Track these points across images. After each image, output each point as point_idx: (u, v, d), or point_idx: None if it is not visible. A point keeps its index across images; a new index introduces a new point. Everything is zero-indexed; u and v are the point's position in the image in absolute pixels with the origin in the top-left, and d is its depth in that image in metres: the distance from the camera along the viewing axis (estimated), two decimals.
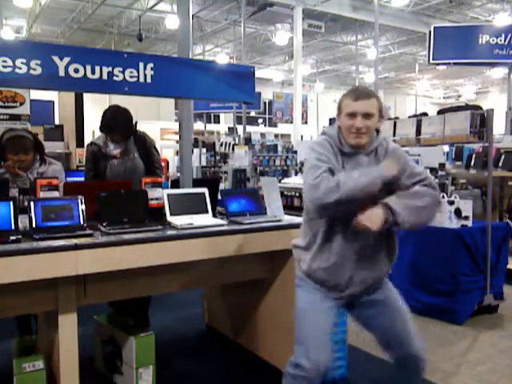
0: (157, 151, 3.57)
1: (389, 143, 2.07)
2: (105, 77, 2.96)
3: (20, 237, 2.13)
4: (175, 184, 3.41)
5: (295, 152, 10.17)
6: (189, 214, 2.67)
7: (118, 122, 3.30)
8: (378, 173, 1.90)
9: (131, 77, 3.05)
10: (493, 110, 4.02)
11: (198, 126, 17.46)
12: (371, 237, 1.96)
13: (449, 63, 9.54)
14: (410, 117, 8.24)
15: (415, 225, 1.93)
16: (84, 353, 2.45)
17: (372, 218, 1.86)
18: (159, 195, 2.73)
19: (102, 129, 3.38)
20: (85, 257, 2.12)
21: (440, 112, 7.32)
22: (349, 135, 1.97)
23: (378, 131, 2.05)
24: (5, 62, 2.70)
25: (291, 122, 16.70)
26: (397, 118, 8.29)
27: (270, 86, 24.02)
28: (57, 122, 9.26)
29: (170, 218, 2.60)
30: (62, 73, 2.84)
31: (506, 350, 3.34)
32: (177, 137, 8.03)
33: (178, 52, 3.68)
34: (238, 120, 15.51)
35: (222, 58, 19.66)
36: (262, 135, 13.08)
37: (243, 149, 8.67)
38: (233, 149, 10.11)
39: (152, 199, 2.70)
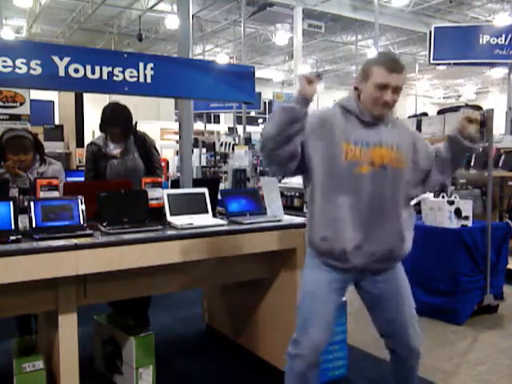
0: (157, 151, 3.57)
1: (398, 120, 2.15)
2: (105, 77, 2.97)
3: (20, 237, 2.13)
4: (175, 184, 3.41)
5: None
6: (189, 214, 2.67)
7: (117, 118, 3.30)
8: (291, 103, 1.85)
9: (131, 77, 3.05)
10: (493, 109, 4.01)
11: (198, 126, 17.45)
12: (383, 201, 1.94)
13: (449, 63, 9.52)
14: (409, 117, 8.24)
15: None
16: (84, 353, 2.45)
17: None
18: (159, 195, 2.73)
19: (101, 126, 3.38)
20: (85, 257, 2.12)
21: (440, 112, 7.31)
22: (374, 106, 1.92)
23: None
24: (5, 62, 2.70)
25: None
26: (397, 118, 8.28)
27: (270, 86, 24.00)
28: (57, 122, 9.27)
29: (169, 218, 2.60)
30: (62, 73, 2.84)
31: (506, 349, 3.34)
32: (177, 137, 8.03)
33: (178, 52, 3.68)
34: (238, 120, 15.50)
35: (222, 57, 19.64)
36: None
37: (243, 149, 8.67)
38: (233, 149, 10.11)
39: (152, 199, 2.70)
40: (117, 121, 3.29)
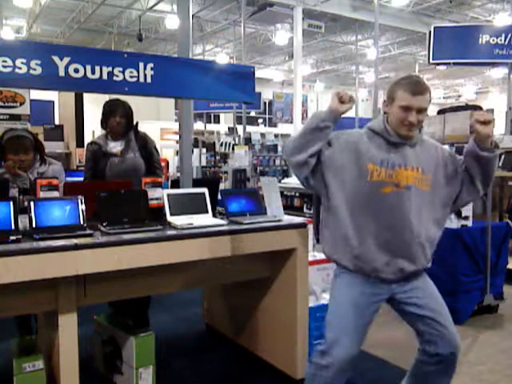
0: (157, 152, 3.57)
1: (427, 138, 2.15)
2: (105, 77, 2.97)
3: (20, 237, 2.12)
4: (175, 184, 3.41)
5: None
6: (189, 214, 2.67)
7: (117, 106, 3.32)
8: (321, 111, 1.99)
9: (131, 77, 3.05)
10: (493, 110, 4.02)
11: (198, 126, 17.45)
12: (407, 222, 1.96)
13: (449, 63, 9.52)
14: None
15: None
16: (84, 353, 2.45)
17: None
18: (159, 195, 2.73)
19: (102, 120, 3.38)
20: (85, 257, 2.12)
21: (440, 112, 7.31)
22: (400, 127, 1.98)
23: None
24: (5, 62, 2.70)
25: (291, 122, 16.68)
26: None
27: (270, 86, 24.01)
28: (57, 122, 9.27)
29: (169, 218, 2.60)
30: (62, 73, 2.84)
31: (506, 350, 3.34)
32: (177, 137, 8.03)
33: (178, 52, 3.68)
34: (238, 120, 15.51)
35: (222, 57, 19.64)
36: (262, 135, 13.07)
37: (243, 149, 8.67)
38: (233, 149, 10.11)
39: (152, 199, 2.70)
40: (117, 111, 3.30)
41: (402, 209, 1.97)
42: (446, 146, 6.27)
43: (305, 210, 6.33)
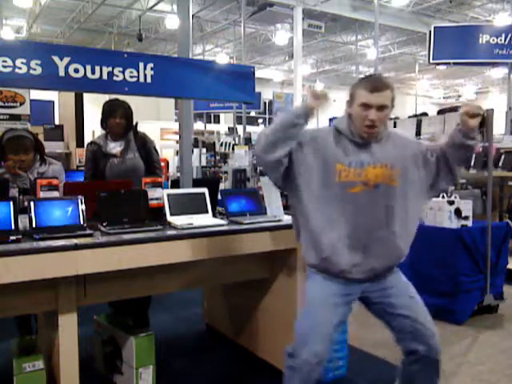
0: (156, 152, 3.57)
1: (393, 131, 2.14)
2: (105, 77, 2.97)
3: (20, 237, 2.12)
4: (175, 184, 3.41)
5: None
6: (189, 214, 2.67)
7: (117, 106, 3.32)
8: (296, 108, 1.96)
9: (131, 77, 3.06)
10: (493, 109, 4.01)
11: (198, 126, 17.45)
12: (379, 220, 1.96)
13: (449, 63, 9.53)
14: (410, 117, 8.24)
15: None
16: (84, 353, 2.45)
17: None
18: (159, 195, 2.73)
19: (102, 120, 3.38)
20: (85, 257, 2.12)
21: (440, 112, 7.32)
22: (362, 127, 1.96)
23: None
24: (5, 62, 2.71)
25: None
26: (397, 118, 8.29)
27: (270, 86, 24.00)
28: (57, 122, 9.25)
29: (169, 218, 2.60)
30: (62, 73, 2.84)
31: (506, 350, 3.34)
32: (177, 137, 8.02)
33: (178, 52, 3.68)
34: (238, 120, 15.50)
35: (222, 57, 19.64)
36: None
37: (243, 149, 8.66)
38: (233, 149, 10.10)
39: (152, 199, 2.70)
40: (116, 112, 3.30)
41: (373, 207, 1.96)
42: None
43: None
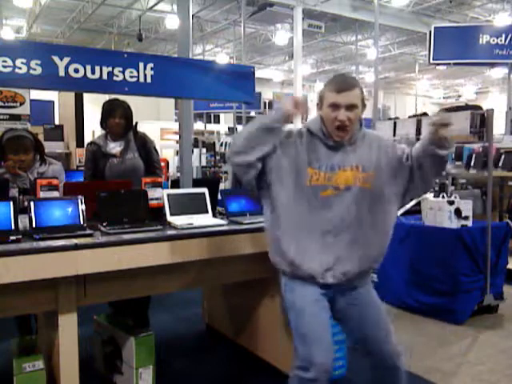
0: (156, 152, 3.57)
1: (368, 132, 2.09)
2: (105, 77, 2.97)
3: (20, 237, 2.13)
4: (175, 184, 3.41)
5: None
6: (189, 214, 2.67)
7: (117, 106, 3.31)
8: (273, 112, 1.96)
9: (131, 77, 3.06)
10: (493, 110, 4.02)
11: (198, 126, 17.45)
12: (350, 224, 1.93)
13: (449, 63, 9.53)
14: (410, 117, 8.24)
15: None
16: (84, 353, 2.45)
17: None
18: (159, 195, 2.73)
19: (102, 120, 3.37)
20: (85, 257, 2.12)
21: (439, 112, 7.30)
22: (333, 129, 1.95)
23: (360, 122, 2.03)
24: (5, 62, 2.71)
25: (291, 122, 16.70)
26: (397, 117, 8.30)
27: (270, 86, 24.00)
28: (57, 122, 9.25)
29: (169, 218, 2.60)
30: (62, 73, 2.84)
31: (506, 350, 3.34)
32: (177, 137, 8.02)
33: (178, 52, 3.69)
34: (238, 120, 15.51)
35: (222, 57, 19.64)
36: None
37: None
38: None
39: (152, 199, 2.70)
40: (116, 112, 3.30)
41: (345, 211, 1.94)
42: None
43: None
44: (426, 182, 2.04)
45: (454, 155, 6.03)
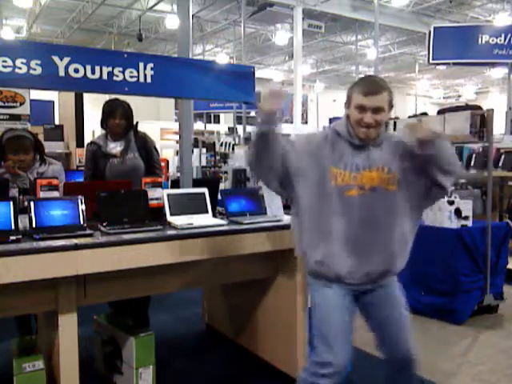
0: (157, 152, 3.57)
1: (390, 134, 2.12)
2: (105, 77, 2.96)
3: (20, 237, 2.12)
4: (175, 184, 3.41)
5: None
6: (189, 214, 2.67)
7: (117, 106, 3.32)
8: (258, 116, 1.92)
9: (131, 77, 3.05)
10: (493, 110, 4.02)
11: (198, 126, 17.43)
12: (375, 225, 1.94)
13: (449, 63, 9.53)
14: (410, 117, 8.23)
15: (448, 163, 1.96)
16: (84, 353, 2.45)
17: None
18: (159, 195, 2.73)
19: (102, 120, 3.37)
20: (85, 257, 2.12)
21: (440, 112, 7.30)
22: (358, 128, 1.96)
23: (385, 123, 2.06)
24: (5, 62, 2.70)
25: (291, 122, 16.69)
26: (397, 117, 8.28)
27: (270, 86, 23.98)
28: (57, 122, 9.25)
29: (169, 218, 2.60)
30: (62, 73, 2.84)
31: (506, 350, 3.34)
32: (177, 137, 8.02)
33: (178, 52, 3.67)
34: (238, 120, 15.50)
35: (222, 57, 19.63)
36: None
37: (243, 149, 8.66)
38: (233, 149, 10.10)
39: (152, 199, 2.70)
40: (116, 112, 3.30)
41: (370, 211, 1.94)
42: None
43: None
44: (438, 185, 2.00)
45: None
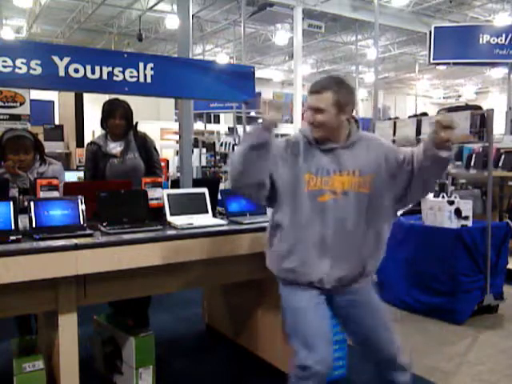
0: (157, 152, 3.57)
1: (367, 134, 2.05)
2: (105, 77, 2.97)
3: (20, 237, 2.13)
4: (175, 184, 3.41)
5: None
6: (189, 214, 2.67)
7: (117, 107, 3.31)
8: (255, 127, 1.88)
9: (131, 77, 3.06)
10: (493, 110, 4.02)
11: (198, 126, 17.43)
12: (347, 229, 1.92)
13: (449, 63, 9.54)
14: (410, 117, 8.23)
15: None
16: (84, 353, 2.45)
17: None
18: (159, 195, 2.73)
19: (102, 120, 3.37)
20: (85, 257, 2.12)
21: (440, 112, 7.30)
22: (311, 128, 1.95)
23: (357, 124, 2.00)
24: (5, 62, 2.71)
25: (291, 122, 16.68)
26: (397, 117, 8.29)
27: (270, 85, 24.00)
28: (57, 122, 9.27)
29: (170, 218, 2.60)
30: (62, 73, 2.84)
31: (506, 350, 3.34)
32: (177, 137, 8.03)
33: (178, 52, 3.68)
34: (238, 120, 15.49)
35: (222, 57, 19.64)
36: None
37: None
38: (233, 149, 10.10)
39: (152, 199, 2.70)
40: (116, 112, 3.30)
41: (342, 215, 1.92)
42: None
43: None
44: (426, 184, 2.00)
45: (453, 155, 6.04)
